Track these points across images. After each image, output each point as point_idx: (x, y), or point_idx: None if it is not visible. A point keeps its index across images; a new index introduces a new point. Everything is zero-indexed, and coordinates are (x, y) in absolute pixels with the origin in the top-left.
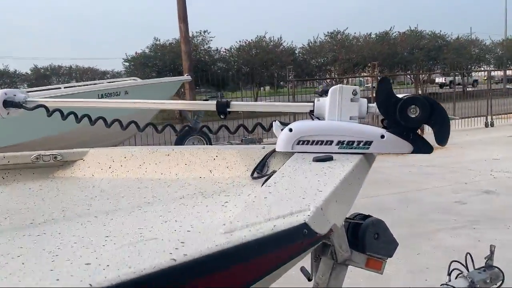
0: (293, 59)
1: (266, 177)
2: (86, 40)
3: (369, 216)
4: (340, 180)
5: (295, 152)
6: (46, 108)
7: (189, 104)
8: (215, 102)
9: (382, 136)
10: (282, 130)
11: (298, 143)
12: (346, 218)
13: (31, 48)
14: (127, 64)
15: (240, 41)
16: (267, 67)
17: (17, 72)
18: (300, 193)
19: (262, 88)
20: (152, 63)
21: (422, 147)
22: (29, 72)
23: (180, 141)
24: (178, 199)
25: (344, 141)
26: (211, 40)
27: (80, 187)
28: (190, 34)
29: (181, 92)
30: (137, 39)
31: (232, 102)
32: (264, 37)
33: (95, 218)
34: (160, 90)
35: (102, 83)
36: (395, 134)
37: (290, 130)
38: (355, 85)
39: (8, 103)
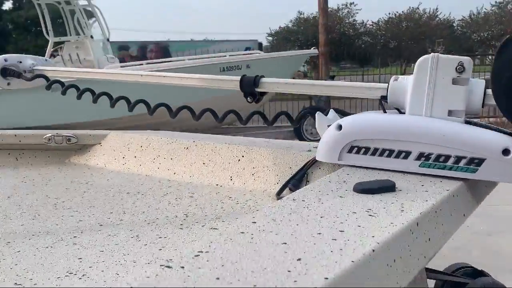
0: (449, 33)
1: None
2: (236, 13)
3: (481, 272)
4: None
5: (344, 165)
6: (46, 78)
7: (205, 80)
8: (238, 78)
9: (506, 152)
10: (329, 126)
11: (350, 151)
12: (440, 272)
13: (186, 22)
14: (270, 38)
15: (389, 13)
16: (418, 42)
17: None
18: None
19: (412, 64)
20: (295, 38)
21: None
22: None
23: (297, 125)
24: (166, 222)
25: (431, 154)
26: (357, 12)
27: (78, 182)
28: (335, 7)
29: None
30: (284, 13)
31: (263, 80)
32: (418, 8)
33: (58, 239)
34: (284, 64)
35: (225, 56)
36: None
37: (339, 127)
38: None
39: (8, 72)
